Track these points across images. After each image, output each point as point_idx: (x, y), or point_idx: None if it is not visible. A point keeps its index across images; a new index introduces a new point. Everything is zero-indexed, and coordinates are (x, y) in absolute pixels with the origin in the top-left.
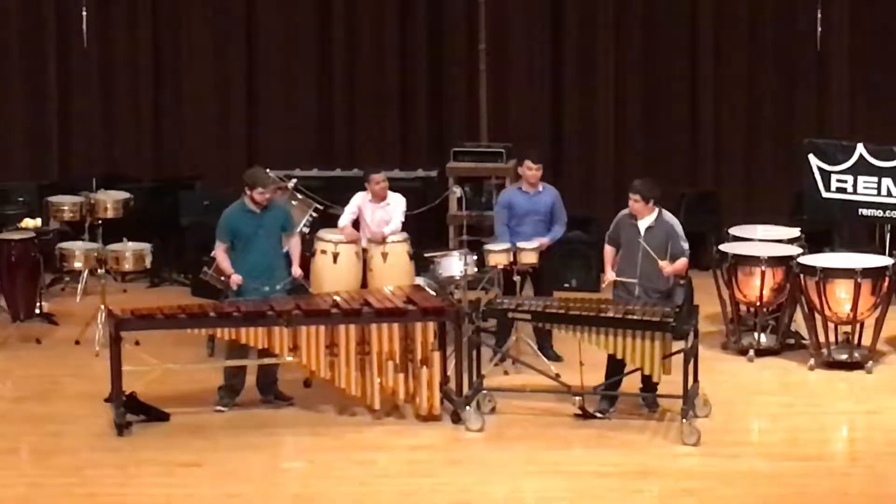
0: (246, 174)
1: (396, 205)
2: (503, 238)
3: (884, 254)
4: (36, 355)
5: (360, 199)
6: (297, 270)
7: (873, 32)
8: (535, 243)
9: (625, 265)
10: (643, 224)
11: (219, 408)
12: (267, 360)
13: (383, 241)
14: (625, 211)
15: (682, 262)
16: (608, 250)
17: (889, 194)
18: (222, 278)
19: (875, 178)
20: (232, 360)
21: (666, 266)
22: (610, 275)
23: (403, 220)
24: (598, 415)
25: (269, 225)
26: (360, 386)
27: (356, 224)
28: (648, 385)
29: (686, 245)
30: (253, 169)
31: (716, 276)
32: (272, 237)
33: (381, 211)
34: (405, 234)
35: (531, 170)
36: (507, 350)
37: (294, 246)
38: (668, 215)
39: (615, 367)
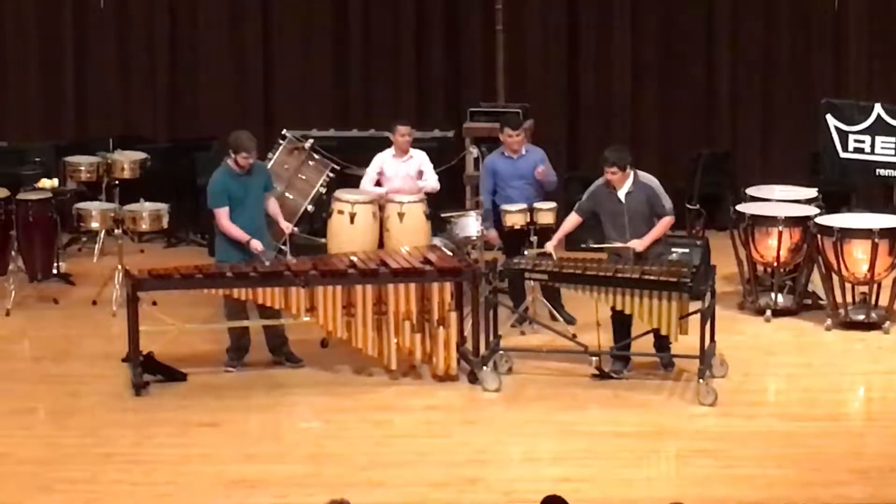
0: (230, 137)
1: (425, 161)
2: (486, 205)
3: None
4: (53, 315)
5: (380, 159)
6: (287, 226)
7: None
8: (521, 205)
9: (613, 234)
10: (622, 192)
11: (228, 368)
12: (267, 322)
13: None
14: (599, 182)
15: (665, 222)
16: (573, 219)
17: None
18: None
19: (893, 139)
20: (231, 322)
21: (638, 245)
22: (549, 245)
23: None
24: (613, 375)
25: (255, 186)
26: (376, 346)
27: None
28: (662, 344)
29: (669, 204)
30: (237, 132)
31: (733, 237)
32: (258, 198)
33: (405, 165)
34: (422, 195)
35: (511, 137)
36: (525, 310)
37: (272, 204)
38: (644, 176)
39: (621, 328)
